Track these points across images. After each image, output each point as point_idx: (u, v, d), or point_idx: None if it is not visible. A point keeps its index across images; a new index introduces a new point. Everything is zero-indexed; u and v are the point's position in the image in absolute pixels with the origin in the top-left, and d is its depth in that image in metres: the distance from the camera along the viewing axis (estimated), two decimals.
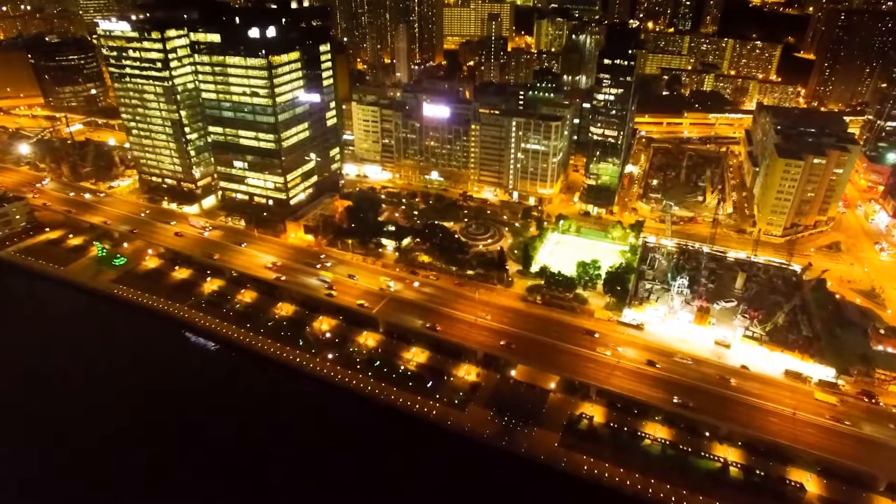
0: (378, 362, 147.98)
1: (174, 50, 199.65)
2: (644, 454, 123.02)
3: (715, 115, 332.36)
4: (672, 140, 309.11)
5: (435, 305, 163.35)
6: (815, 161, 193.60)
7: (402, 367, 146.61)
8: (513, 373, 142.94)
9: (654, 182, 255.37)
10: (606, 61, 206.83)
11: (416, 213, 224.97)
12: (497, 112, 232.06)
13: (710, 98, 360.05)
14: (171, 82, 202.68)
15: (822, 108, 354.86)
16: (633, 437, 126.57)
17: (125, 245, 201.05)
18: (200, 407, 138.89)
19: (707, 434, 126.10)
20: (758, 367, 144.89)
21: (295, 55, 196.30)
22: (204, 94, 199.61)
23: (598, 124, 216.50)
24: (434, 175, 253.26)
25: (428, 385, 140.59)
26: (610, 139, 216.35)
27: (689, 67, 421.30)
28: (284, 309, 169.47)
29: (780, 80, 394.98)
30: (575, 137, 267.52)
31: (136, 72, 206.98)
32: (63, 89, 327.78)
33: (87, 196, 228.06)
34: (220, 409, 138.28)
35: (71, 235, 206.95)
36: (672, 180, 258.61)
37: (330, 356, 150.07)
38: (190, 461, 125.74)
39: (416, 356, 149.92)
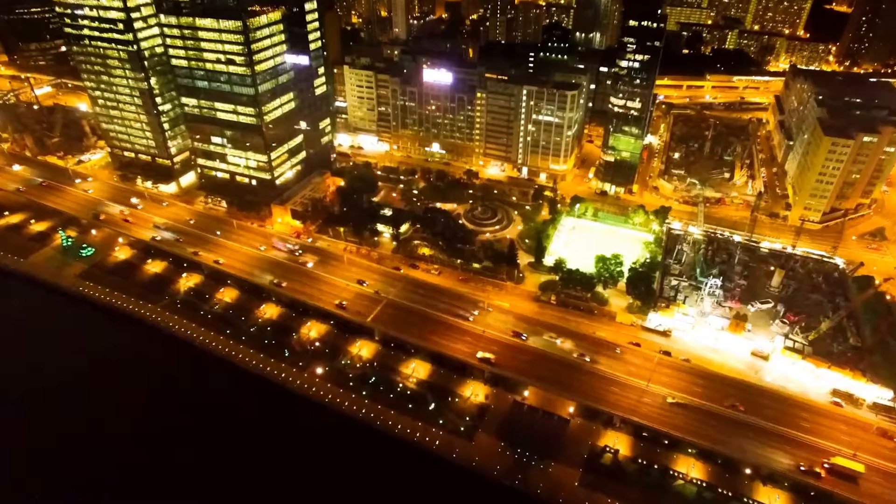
0: (373, 378, 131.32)
1: (137, 9, 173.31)
2: (676, 497, 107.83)
3: (739, 77, 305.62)
4: (693, 106, 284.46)
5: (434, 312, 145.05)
6: (866, 139, 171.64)
7: (401, 385, 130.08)
8: (525, 393, 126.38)
9: (676, 156, 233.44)
10: (632, 23, 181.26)
11: (415, 192, 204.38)
12: (505, 78, 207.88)
13: (733, 57, 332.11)
14: (136, 46, 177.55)
15: (857, 69, 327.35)
16: (663, 476, 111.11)
17: (93, 232, 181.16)
18: (171, 426, 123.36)
19: (748, 472, 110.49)
20: (801, 386, 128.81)
21: (276, 15, 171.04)
22: (174, 62, 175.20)
23: (620, 94, 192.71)
24: (435, 147, 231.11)
25: (430, 407, 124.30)
26: (633, 111, 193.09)
27: (710, 22, 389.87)
28: (269, 311, 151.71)
29: (808, 36, 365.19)
30: (590, 104, 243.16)
31: (96, 34, 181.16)
32: (28, 46, 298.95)
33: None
34: (194, 429, 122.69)
35: (33, 221, 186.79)
36: (695, 153, 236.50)
37: (319, 370, 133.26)
38: (154, 486, 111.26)
39: (415, 371, 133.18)
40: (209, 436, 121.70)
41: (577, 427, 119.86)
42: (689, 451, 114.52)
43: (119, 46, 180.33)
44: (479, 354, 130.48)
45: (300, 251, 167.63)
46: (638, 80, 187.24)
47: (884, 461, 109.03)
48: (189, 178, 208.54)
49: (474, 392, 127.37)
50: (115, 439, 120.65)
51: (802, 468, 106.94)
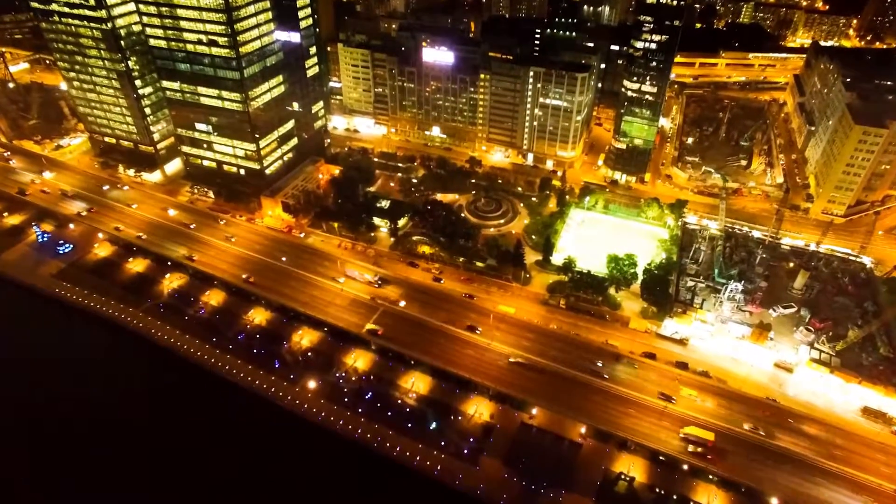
0: (370, 394, 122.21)
1: None
2: None
3: (755, 54, 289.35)
4: (707, 85, 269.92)
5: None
6: None
7: (400, 401, 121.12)
8: (534, 411, 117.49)
9: (690, 140, 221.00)
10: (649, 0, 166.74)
11: (414, 181, 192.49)
12: (510, 58, 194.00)
13: (749, 32, 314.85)
14: (109, 25, 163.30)
15: (879, 44, 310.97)
16: None
17: (71, 227, 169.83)
18: (150, 443, 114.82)
19: (774, 503, 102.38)
20: (827, 401, 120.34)
21: None
22: (152, 42, 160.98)
23: (635, 77, 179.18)
24: (436, 131, 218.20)
25: (431, 427, 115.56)
26: (648, 95, 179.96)
27: None
28: (258, 315, 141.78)
29: (828, 8, 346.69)
30: (598, 85, 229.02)
31: (66, 9, 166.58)
32: (2, 18, 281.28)
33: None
34: (175, 447, 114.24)
35: (6, 213, 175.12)
36: (710, 138, 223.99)
37: (312, 384, 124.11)
38: None
39: (415, 385, 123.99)
40: (191, 455, 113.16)
41: (589, 450, 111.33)
42: (710, 477, 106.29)
43: (92, 24, 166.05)
44: (367, 326, 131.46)
45: (379, 282, 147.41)
46: (654, 63, 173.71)
47: None
48: (175, 166, 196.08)
49: (478, 410, 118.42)
50: (91, 455, 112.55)
51: (691, 450, 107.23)
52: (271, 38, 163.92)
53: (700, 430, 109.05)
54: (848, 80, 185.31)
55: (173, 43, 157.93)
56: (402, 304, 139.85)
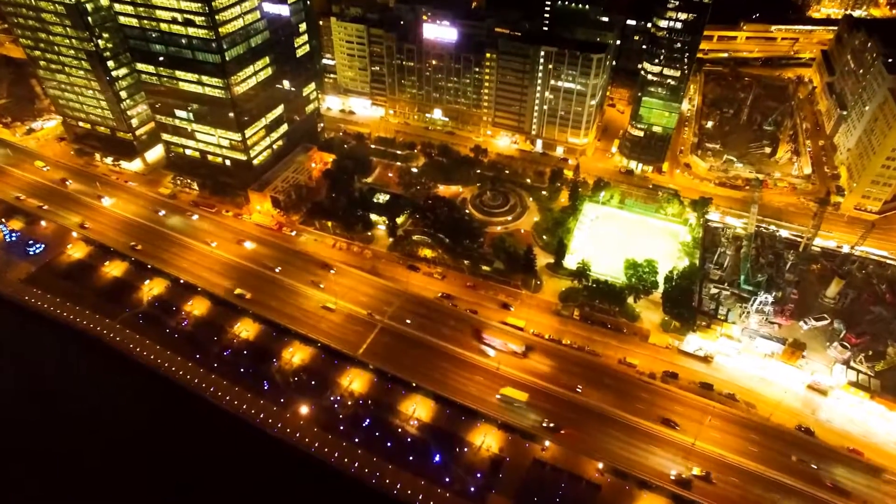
0: (368, 421, 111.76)
1: None
2: None
3: (779, 26, 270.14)
4: (727, 62, 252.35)
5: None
6: None
7: (400, 430, 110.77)
8: (546, 443, 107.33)
9: (709, 125, 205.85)
10: None
11: (414, 170, 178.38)
12: (518, 34, 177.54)
13: (771, 1, 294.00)
14: None
15: None
16: None
17: (42, 224, 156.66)
18: (130, 476, 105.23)
19: None
20: (865, 430, 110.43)
21: None
22: (122, 20, 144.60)
23: (657, 59, 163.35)
24: (437, 114, 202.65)
25: (434, 460, 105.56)
26: (670, 79, 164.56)
27: None
28: (246, 328, 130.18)
29: None
30: (613, 63, 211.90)
31: None
32: None
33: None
34: (151, 482, 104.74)
35: None
36: (731, 121, 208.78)
37: (304, 409, 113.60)
38: None
39: (416, 412, 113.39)
40: (170, 487, 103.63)
41: (607, 488, 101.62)
42: None
43: None
44: (236, 291, 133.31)
45: (524, 352, 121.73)
46: (679, 44, 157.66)
47: None
48: (157, 153, 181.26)
49: (486, 442, 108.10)
50: (55, 484, 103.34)
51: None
52: (256, 16, 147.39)
53: (515, 391, 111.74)
54: (890, 60, 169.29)
55: (145, 21, 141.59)
56: (579, 388, 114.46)
